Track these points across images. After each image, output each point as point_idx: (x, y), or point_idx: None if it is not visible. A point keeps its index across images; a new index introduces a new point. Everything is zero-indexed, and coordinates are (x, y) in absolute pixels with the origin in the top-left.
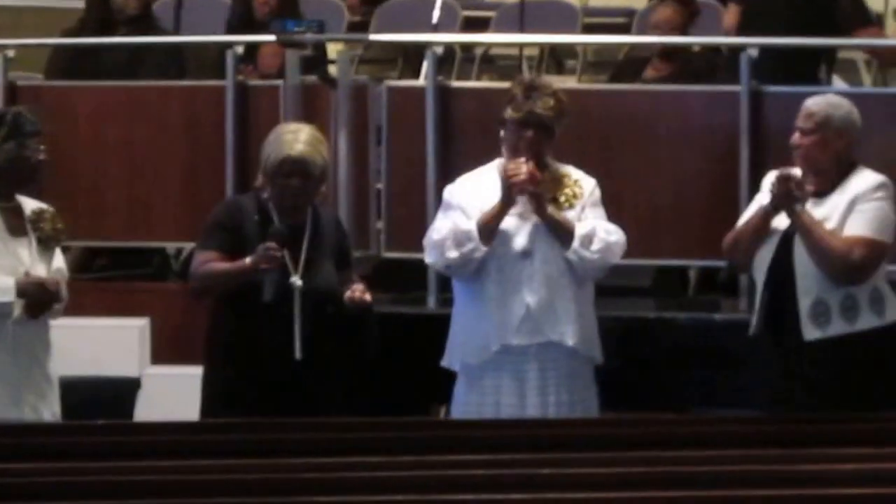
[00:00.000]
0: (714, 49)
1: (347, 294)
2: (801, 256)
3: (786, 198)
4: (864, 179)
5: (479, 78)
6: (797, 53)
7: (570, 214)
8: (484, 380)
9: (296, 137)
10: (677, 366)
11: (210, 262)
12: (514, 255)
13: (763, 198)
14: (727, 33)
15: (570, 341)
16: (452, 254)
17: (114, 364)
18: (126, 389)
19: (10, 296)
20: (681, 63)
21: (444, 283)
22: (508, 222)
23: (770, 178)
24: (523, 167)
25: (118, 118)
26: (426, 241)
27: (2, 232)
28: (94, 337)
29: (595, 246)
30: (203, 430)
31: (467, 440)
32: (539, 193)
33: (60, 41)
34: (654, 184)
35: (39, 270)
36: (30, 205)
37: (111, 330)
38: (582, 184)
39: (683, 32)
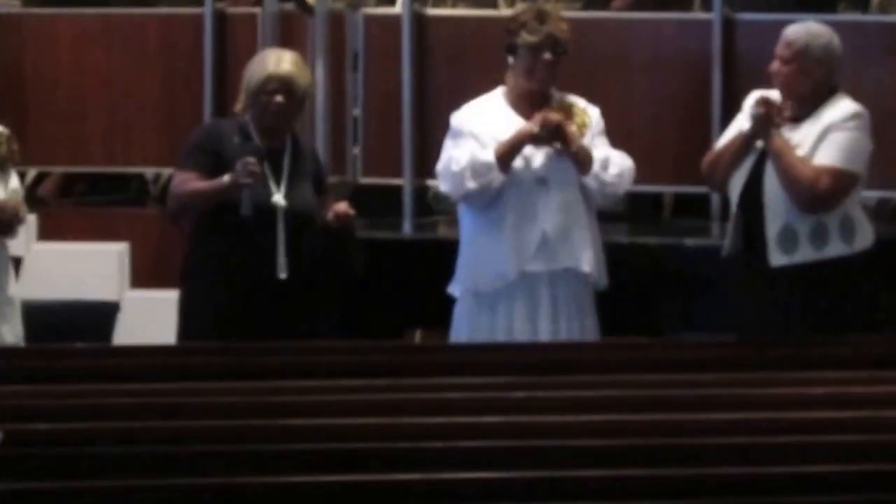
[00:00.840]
0: None
1: (331, 211)
2: (772, 182)
3: (763, 121)
4: (840, 108)
5: (454, 6)
6: None
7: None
8: (497, 305)
9: (280, 58)
10: (652, 291)
11: (189, 182)
12: (530, 183)
13: (743, 119)
14: None
15: (587, 267)
16: (471, 184)
17: (93, 288)
18: (105, 313)
19: None
20: None
21: (421, 209)
22: (524, 150)
23: (751, 100)
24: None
25: (97, 45)
26: (440, 171)
27: None
28: (73, 261)
29: (612, 171)
30: (180, 353)
31: (444, 364)
32: (563, 123)
33: None
34: (627, 111)
35: None
36: None
37: (90, 254)
38: (589, 112)
39: None
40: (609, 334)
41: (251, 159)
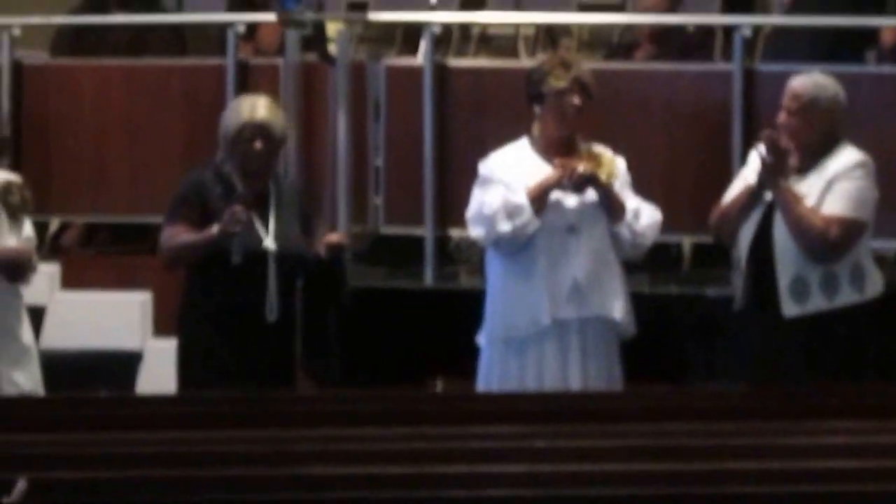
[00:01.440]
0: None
1: (323, 243)
2: (781, 233)
3: (771, 171)
4: (845, 157)
5: (476, 56)
6: (842, 34)
7: None
8: (527, 351)
9: (254, 104)
10: (673, 340)
11: (178, 234)
12: (561, 230)
13: (749, 173)
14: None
15: (616, 315)
16: (504, 227)
17: (116, 337)
18: (128, 362)
19: None
20: (669, 44)
21: (442, 259)
22: (553, 196)
23: (756, 154)
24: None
25: (120, 95)
26: (471, 216)
27: None
28: (95, 310)
29: (644, 221)
30: (203, 402)
31: (463, 412)
32: (595, 174)
33: (64, 20)
34: (647, 160)
35: (10, 241)
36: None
37: (113, 303)
38: (617, 162)
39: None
40: (631, 382)
41: (237, 207)
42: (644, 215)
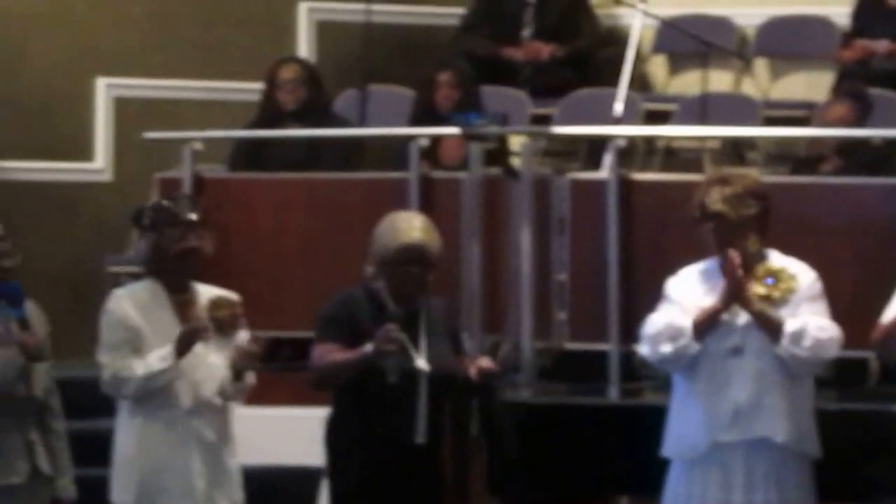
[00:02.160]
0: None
1: (474, 367)
2: None
3: None
4: None
5: (661, 170)
6: None
7: (784, 310)
8: (693, 474)
9: (410, 225)
10: (863, 458)
11: (330, 353)
12: (726, 352)
13: None
14: None
15: (780, 438)
16: (666, 348)
17: (298, 454)
18: (309, 479)
19: (167, 362)
20: (856, 157)
21: (627, 374)
22: (724, 316)
23: None
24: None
25: (299, 209)
26: (642, 333)
27: (175, 326)
28: (278, 427)
29: (806, 343)
30: None
31: None
32: (743, 290)
33: (244, 133)
34: (833, 275)
35: (215, 360)
36: (207, 293)
37: (295, 420)
38: (799, 278)
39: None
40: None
41: (391, 326)
42: (808, 336)
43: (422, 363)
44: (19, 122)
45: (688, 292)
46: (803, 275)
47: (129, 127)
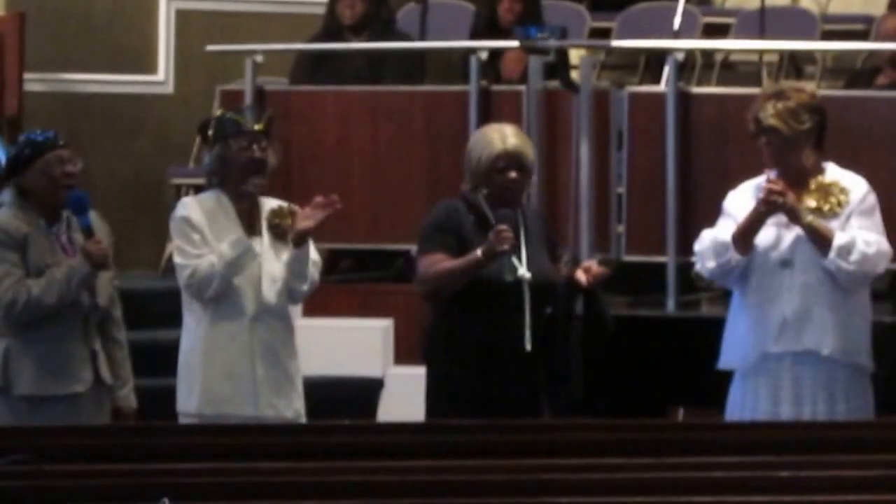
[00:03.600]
0: None
1: (583, 271)
2: None
3: None
4: None
5: (719, 84)
6: None
7: (833, 223)
8: (745, 384)
9: (504, 133)
10: None
11: (439, 262)
12: (774, 265)
13: None
14: None
15: (826, 350)
16: (711, 263)
17: (357, 364)
18: (370, 389)
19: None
20: None
21: (685, 286)
22: (770, 232)
23: None
24: (775, 185)
25: (363, 122)
26: (695, 248)
27: (240, 234)
28: (338, 337)
29: (853, 257)
30: (445, 430)
31: (706, 442)
32: (792, 204)
33: (305, 46)
34: (890, 186)
35: (272, 265)
36: (270, 204)
37: (355, 330)
38: (850, 191)
39: None
40: (882, 415)
41: (503, 226)
42: (856, 250)
43: (525, 272)
44: (83, 35)
45: (744, 206)
46: (855, 188)
47: (191, 40)
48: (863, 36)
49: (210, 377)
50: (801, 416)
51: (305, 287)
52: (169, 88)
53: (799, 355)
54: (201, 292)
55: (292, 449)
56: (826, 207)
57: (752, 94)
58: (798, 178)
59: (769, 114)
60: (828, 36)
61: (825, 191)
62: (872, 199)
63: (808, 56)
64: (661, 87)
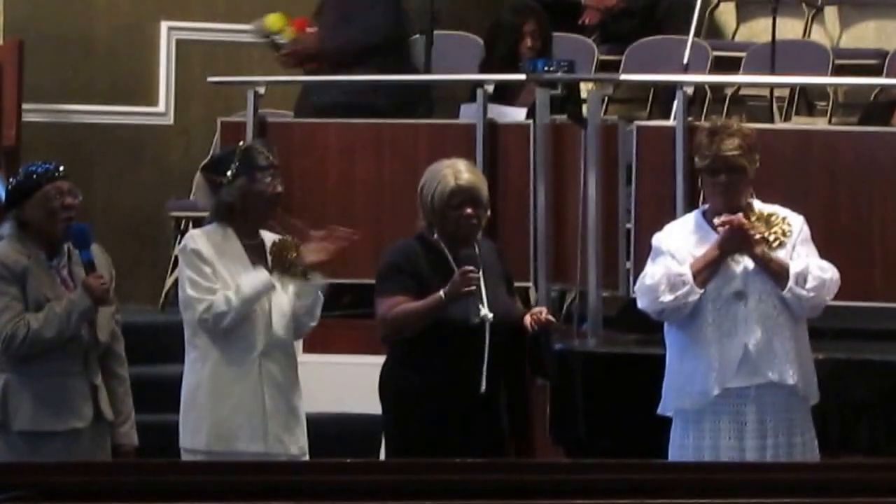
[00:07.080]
0: None
1: (531, 316)
2: None
3: None
4: None
5: (728, 118)
6: None
7: (780, 253)
8: (702, 423)
9: (456, 169)
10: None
11: (399, 305)
12: (728, 298)
13: None
14: None
15: (791, 380)
16: (666, 297)
17: (358, 401)
18: (373, 428)
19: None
20: None
21: None
22: (721, 264)
23: None
24: (742, 222)
25: (366, 155)
26: (638, 287)
27: (247, 269)
28: (339, 374)
29: (809, 284)
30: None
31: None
32: (749, 235)
33: (306, 78)
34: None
35: (281, 299)
36: (270, 238)
37: (357, 367)
38: (790, 221)
39: None
40: (848, 454)
41: (470, 267)
42: (811, 277)
43: (487, 312)
44: (83, 65)
45: (680, 243)
46: (793, 218)
47: (191, 71)
48: (876, 71)
49: (219, 413)
50: (765, 451)
51: (314, 323)
52: (169, 120)
53: (761, 387)
54: (216, 326)
55: (294, 486)
56: (771, 238)
57: (763, 130)
58: (738, 211)
59: (732, 151)
60: (840, 70)
61: (767, 222)
62: (807, 229)
63: (820, 90)
64: (670, 121)
